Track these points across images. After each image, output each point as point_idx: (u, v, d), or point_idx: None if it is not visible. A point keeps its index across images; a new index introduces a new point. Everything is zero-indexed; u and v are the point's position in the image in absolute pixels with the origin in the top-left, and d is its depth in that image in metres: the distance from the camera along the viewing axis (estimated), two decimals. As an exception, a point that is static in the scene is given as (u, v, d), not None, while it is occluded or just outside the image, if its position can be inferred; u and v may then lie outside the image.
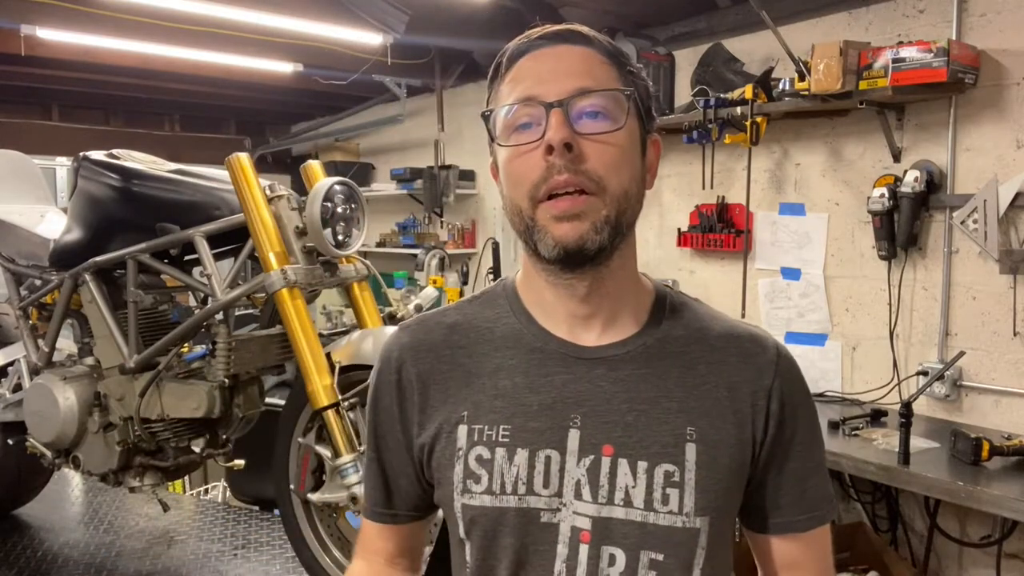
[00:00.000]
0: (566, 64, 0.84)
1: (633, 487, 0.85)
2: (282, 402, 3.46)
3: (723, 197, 3.59)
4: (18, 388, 2.94)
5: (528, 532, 0.87)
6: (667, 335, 0.91)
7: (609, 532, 0.86)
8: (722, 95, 3.26)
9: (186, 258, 2.61)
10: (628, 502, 0.85)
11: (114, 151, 2.62)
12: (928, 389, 2.71)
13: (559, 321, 0.91)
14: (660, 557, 0.85)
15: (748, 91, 3.10)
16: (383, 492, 1.00)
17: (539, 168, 0.82)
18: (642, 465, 0.86)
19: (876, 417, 2.83)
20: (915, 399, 2.43)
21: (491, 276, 4.52)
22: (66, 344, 2.93)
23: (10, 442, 2.93)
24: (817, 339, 3.31)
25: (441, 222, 5.37)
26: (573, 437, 0.86)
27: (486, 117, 0.88)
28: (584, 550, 0.86)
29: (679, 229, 3.75)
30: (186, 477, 3.90)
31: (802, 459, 0.92)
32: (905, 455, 2.36)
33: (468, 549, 0.91)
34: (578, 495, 0.86)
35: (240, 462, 2.69)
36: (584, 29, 0.88)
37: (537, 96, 0.83)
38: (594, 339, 0.90)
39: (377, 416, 0.97)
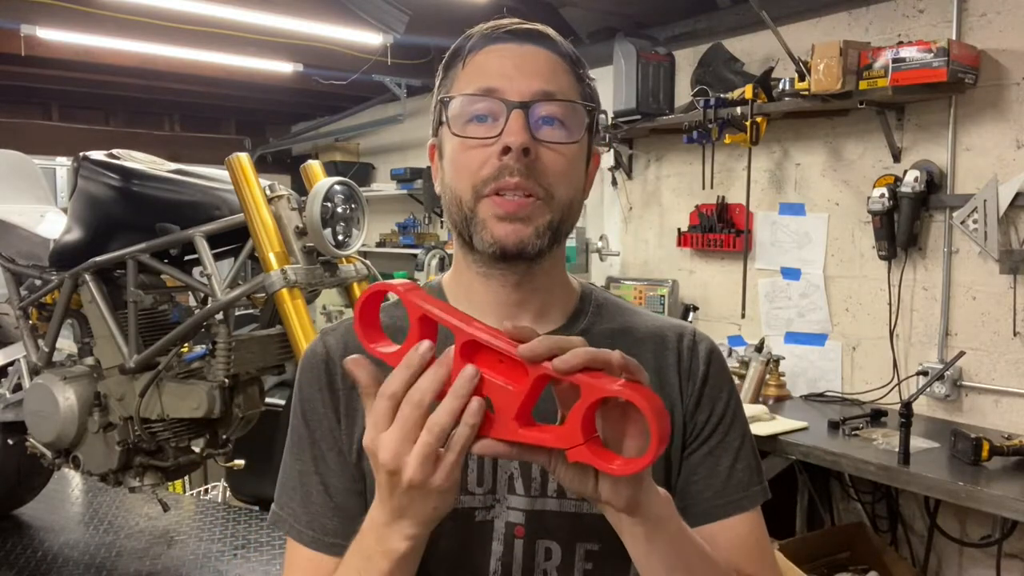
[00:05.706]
0: (532, 65, 0.83)
1: None
2: (282, 402, 3.47)
3: (723, 197, 3.59)
4: (18, 388, 2.94)
5: (464, 533, 0.85)
6: (592, 327, 0.91)
7: (543, 525, 0.84)
8: (722, 95, 3.26)
9: (186, 258, 2.61)
10: (561, 493, 0.84)
11: (114, 151, 2.62)
12: (928, 389, 2.70)
13: (487, 314, 0.85)
14: (596, 547, 0.84)
15: (748, 91, 3.10)
16: (330, 514, 0.88)
17: (490, 165, 0.81)
18: None
19: (876, 417, 2.82)
20: (915, 399, 2.43)
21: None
22: (66, 344, 2.93)
23: (10, 442, 2.93)
24: (817, 339, 3.31)
25: (441, 222, 5.37)
26: None
27: (445, 103, 0.86)
28: (519, 545, 0.85)
29: (679, 229, 3.75)
30: (186, 477, 3.89)
31: (722, 444, 0.89)
32: (905, 455, 2.36)
33: None
34: (511, 489, 0.85)
35: (240, 462, 2.69)
36: (551, 32, 0.87)
37: (500, 92, 0.82)
38: None
39: (310, 423, 0.90)
